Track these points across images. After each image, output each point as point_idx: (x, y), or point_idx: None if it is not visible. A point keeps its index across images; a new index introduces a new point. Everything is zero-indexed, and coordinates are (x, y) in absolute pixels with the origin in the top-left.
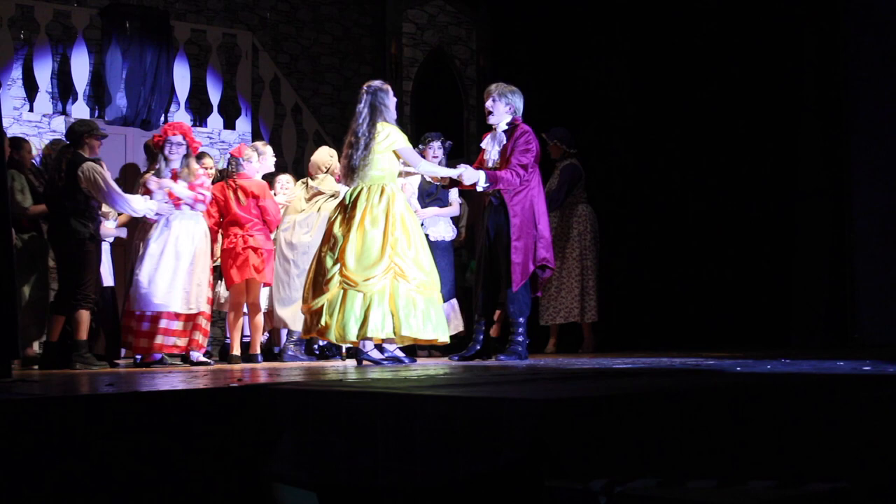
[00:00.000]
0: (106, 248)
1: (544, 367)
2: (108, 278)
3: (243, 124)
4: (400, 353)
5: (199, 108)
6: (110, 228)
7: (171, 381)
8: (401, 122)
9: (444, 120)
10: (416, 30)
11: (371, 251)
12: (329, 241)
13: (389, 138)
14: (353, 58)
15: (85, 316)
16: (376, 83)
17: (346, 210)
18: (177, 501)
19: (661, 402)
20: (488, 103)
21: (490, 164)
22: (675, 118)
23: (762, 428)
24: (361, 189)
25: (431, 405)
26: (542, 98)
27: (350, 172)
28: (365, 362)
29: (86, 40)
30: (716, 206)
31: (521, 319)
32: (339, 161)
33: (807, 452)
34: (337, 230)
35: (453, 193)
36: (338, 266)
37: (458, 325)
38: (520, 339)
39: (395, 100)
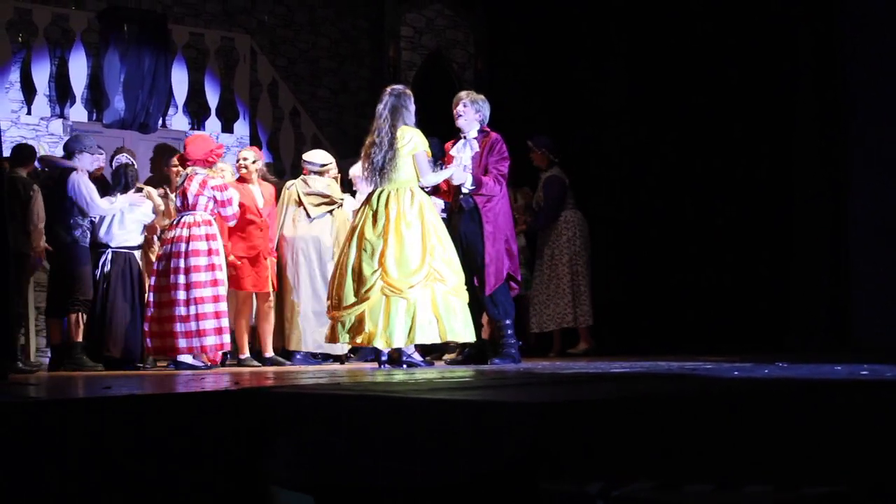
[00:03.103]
0: (138, 256)
1: (541, 370)
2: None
3: (241, 127)
4: (417, 357)
5: (197, 112)
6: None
7: (169, 384)
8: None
9: (441, 123)
10: (413, 33)
11: (411, 258)
12: (364, 248)
13: (412, 142)
14: (351, 61)
15: (76, 319)
16: (399, 87)
17: (376, 214)
18: None
19: (658, 406)
20: (459, 108)
21: (462, 170)
22: (671, 121)
23: (759, 432)
24: (389, 192)
25: (431, 409)
26: (538, 101)
27: (375, 173)
28: (405, 364)
29: (84, 43)
30: (713, 209)
31: (507, 322)
32: (361, 162)
33: (804, 457)
34: (371, 236)
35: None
36: (378, 273)
37: None
38: (511, 341)
39: (414, 106)
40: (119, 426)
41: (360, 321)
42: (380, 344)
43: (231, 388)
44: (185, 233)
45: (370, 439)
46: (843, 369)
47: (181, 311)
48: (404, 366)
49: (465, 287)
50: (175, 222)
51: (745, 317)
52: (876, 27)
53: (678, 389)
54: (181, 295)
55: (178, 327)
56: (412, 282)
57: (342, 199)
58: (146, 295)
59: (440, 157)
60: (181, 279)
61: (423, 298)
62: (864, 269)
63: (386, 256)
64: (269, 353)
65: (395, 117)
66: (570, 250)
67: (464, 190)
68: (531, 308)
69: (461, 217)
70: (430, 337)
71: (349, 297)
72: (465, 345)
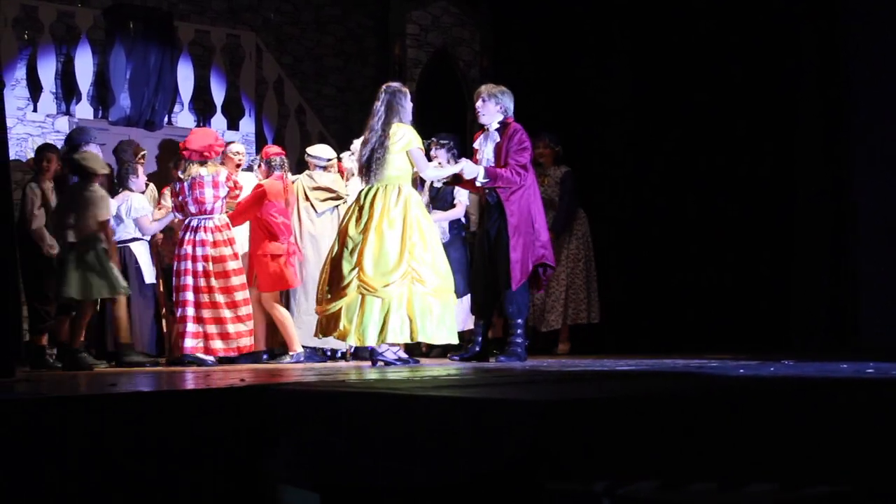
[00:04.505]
0: (145, 246)
1: (546, 368)
2: (148, 275)
3: (247, 125)
4: (404, 355)
5: (202, 109)
6: (147, 224)
7: (174, 381)
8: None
9: (447, 121)
10: (419, 31)
11: (389, 256)
12: (346, 244)
13: (404, 139)
14: (357, 59)
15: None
16: (395, 84)
17: (362, 211)
18: (178, 502)
19: (663, 405)
20: (478, 104)
21: (484, 164)
22: (674, 118)
23: (764, 430)
24: (377, 189)
25: (433, 406)
26: (542, 98)
27: (365, 169)
28: (379, 363)
29: (90, 41)
30: (715, 208)
31: (519, 321)
32: (357, 159)
33: (808, 456)
34: (353, 233)
35: (460, 194)
36: (356, 271)
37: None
38: (519, 339)
39: (411, 104)
40: (121, 424)
41: (336, 318)
42: (353, 341)
43: (236, 384)
44: (209, 237)
45: (371, 438)
46: (848, 367)
47: (224, 313)
48: (379, 364)
49: (473, 289)
50: (190, 224)
51: (745, 316)
52: (879, 25)
53: (681, 388)
54: (220, 298)
55: (214, 328)
56: (388, 280)
57: (348, 195)
58: (178, 294)
59: (459, 154)
60: (216, 283)
61: (398, 298)
62: (866, 269)
63: (364, 255)
64: (297, 349)
65: (390, 115)
66: (585, 247)
67: (477, 183)
68: (545, 306)
69: (488, 211)
70: (401, 337)
71: (331, 294)
72: (468, 342)
